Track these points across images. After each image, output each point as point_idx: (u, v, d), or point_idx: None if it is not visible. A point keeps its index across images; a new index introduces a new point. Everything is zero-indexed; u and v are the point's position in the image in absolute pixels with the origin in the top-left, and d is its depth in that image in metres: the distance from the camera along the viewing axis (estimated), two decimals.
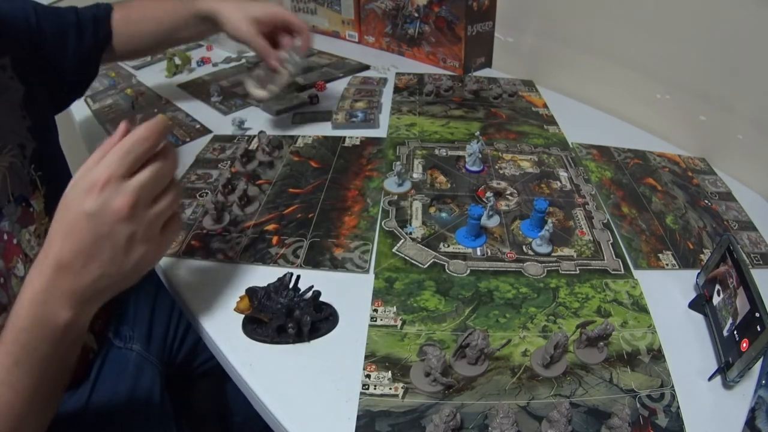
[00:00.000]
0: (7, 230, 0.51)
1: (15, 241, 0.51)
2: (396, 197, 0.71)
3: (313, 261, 0.60)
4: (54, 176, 0.59)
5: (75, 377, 0.60)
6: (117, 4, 0.81)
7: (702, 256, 0.63)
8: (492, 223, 0.67)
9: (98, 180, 0.38)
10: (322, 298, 0.53)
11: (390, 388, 0.46)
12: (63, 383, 0.43)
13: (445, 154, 0.82)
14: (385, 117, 0.93)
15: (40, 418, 0.41)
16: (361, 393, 0.46)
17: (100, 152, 0.39)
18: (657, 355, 0.50)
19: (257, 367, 0.49)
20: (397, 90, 1.04)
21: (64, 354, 0.41)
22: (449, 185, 0.75)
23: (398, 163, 0.72)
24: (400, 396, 0.46)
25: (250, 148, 0.80)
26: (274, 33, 0.80)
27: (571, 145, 0.86)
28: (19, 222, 0.52)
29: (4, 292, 0.49)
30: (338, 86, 1.04)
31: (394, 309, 0.54)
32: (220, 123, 0.91)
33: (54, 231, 0.39)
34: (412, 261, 0.61)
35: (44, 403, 0.40)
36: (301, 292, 0.52)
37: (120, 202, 0.38)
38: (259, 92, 0.80)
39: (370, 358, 0.49)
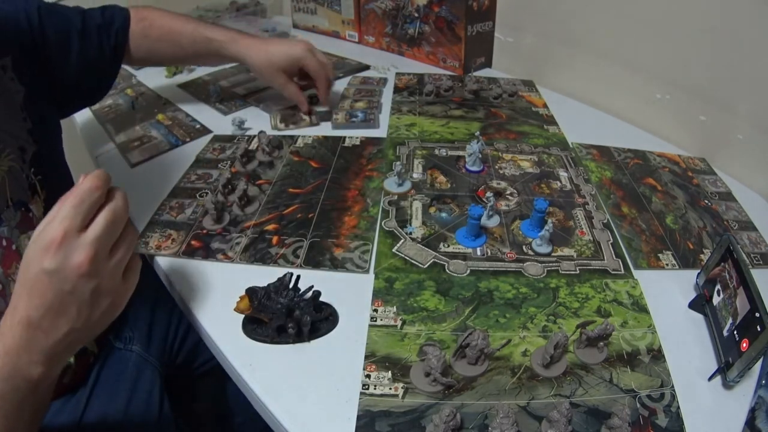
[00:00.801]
0: (6, 236, 0.50)
1: (14, 247, 0.51)
2: (396, 197, 0.71)
3: (313, 261, 0.60)
4: (54, 180, 0.58)
5: (75, 382, 0.60)
6: (135, 10, 0.78)
7: (702, 256, 0.63)
8: (492, 223, 0.67)
9: (55, 237, 0.37)
10: (322, 298, 0.53)
11: (390, 388, 0.46)
12: (39, 419, 0.43)
13: (445, 154, 0.82)
14: (385, 117, 0.93)
15: None
16: (361, 393, 0.46)
17: (57, 206, 0.39)
18: (657, 355, 0.50)
19: (257, 367, 0.49)
20: (397, 90, 1.04)
21: (40, 400, 0.42)
22: (449, 185, 0.75)
23: (398, 163, 0.72)
24: (400, 396, 0.46)
25: (250, 148, 0.80)
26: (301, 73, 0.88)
27: (571, 145, 0.85)
28: (18, 227, 0.52)
29: (2, 299, 0.49)
30: (338, 86, 1.04)
31: (394, 309, 0.54)
32: (220, 123, 0.91)
33: (19, 287, 0.39)
34: (412, 261, 0.61)
35: None
36: (301, 292, 0.52)
37: (79, 258, 0.37)
38: (279, 126, 0.90)
39: (370, 358, 0.49)
